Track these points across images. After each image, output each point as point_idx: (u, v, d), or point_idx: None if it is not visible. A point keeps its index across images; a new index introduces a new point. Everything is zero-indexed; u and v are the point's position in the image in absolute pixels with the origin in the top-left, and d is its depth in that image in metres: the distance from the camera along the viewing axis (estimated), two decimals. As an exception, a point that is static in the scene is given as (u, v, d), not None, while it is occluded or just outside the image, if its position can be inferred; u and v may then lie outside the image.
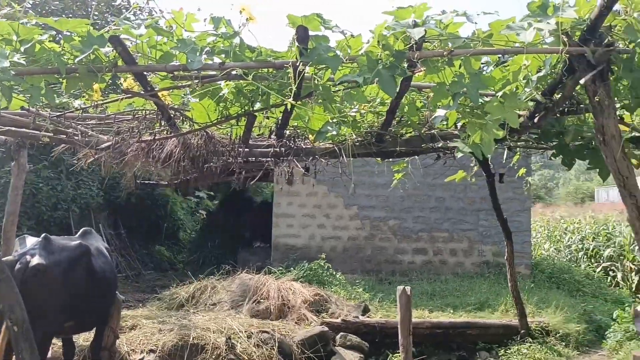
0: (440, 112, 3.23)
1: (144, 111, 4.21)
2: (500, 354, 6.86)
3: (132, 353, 5.69)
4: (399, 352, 6.08)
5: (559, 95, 3.79)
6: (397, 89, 3.62)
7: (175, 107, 4.06)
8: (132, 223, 13.30)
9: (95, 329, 5.40)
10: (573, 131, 4.61)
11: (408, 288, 6.20)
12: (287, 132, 4.75)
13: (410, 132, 4.89)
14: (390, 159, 6.41)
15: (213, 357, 5.62)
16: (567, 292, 10.41)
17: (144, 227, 13.89)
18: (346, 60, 3.15)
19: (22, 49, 2.91)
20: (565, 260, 14.85)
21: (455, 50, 3.11)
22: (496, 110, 3.28)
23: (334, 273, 9.43)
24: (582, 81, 3.17)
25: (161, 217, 14.66)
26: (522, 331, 7.18)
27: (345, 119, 4.47)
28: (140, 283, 11.41)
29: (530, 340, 7.05)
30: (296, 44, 3.05)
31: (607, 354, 6.94)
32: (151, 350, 5.66)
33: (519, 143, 5.44)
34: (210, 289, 7.74)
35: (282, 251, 11.06)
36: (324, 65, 3.13)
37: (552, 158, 5.01)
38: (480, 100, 3.47)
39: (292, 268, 9.34)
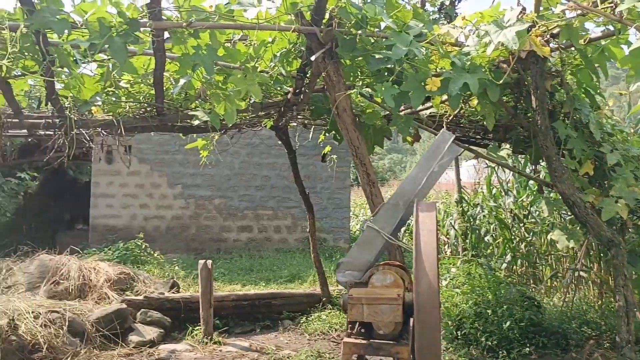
0: (181, 82, 3.35)
1: None
2: (302, 321, 7.27)
3: None
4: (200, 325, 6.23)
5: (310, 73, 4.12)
6: (155, 61, 3.69)
7: None
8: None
9: None
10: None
11: (209, 262, 6.35)
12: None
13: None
14: (195, 135, 6.45)
15: (-7, 339, 5.26)
16: (380, 262, 11.30)
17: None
18: (81, 25, 3.13)
19: None
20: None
21: (194, 23, 3.24)
22: (238, 83, 3.47)
23: (152, 252, 9.29)
24: (312, 58, 3.48)
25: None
26: (324, 299, 7.66)
27: (118, 90, 4.44)
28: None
29: (330, 307, 7.56)
30: (18, 4, 2.96)
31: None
32: None
33: (294, 120, 5.76)
34: (5, 271, 7.21)
35: (101, 232, 10.62)
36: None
37: (327, 134, 5.40)
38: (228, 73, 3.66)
39: (105, 249, 9.06)
